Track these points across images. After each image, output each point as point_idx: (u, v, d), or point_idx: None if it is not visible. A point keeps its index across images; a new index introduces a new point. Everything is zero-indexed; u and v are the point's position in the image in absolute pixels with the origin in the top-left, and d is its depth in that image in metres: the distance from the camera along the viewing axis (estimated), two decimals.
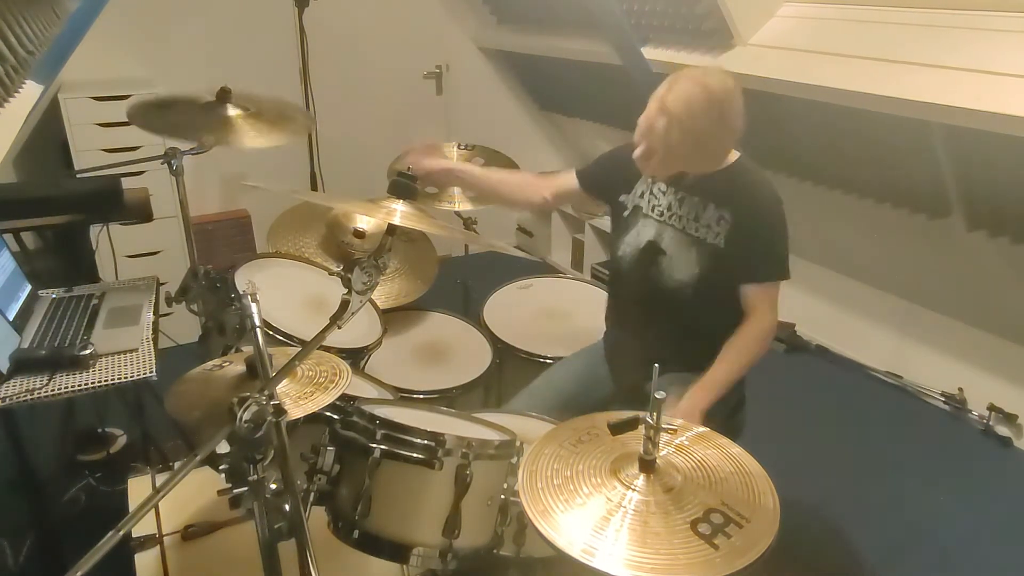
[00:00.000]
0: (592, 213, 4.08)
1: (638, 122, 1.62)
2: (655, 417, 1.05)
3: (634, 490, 1.05)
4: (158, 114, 2.05)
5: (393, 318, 2.27)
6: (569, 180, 1.94)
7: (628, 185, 1.84)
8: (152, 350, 1.80)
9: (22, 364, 1.68)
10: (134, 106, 2.03)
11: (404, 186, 1.35)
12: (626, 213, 1.85)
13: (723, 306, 1.70)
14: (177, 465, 1.30)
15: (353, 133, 3.86)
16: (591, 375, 1.92)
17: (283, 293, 2.02)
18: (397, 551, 1.26)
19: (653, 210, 1.79)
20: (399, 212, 1.28)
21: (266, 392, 1.00)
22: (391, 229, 1.26)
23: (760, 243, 1.65)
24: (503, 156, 2.66)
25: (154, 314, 1.99)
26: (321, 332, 1.17)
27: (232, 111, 2.05)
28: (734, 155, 1.71)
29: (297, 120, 2.18)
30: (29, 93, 2.39)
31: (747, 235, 1.64)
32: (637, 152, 1.63)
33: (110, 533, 0.79)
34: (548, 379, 1.94)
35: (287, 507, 1.01)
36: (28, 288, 2.02)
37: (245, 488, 1.01)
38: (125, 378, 1.69)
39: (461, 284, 2.82)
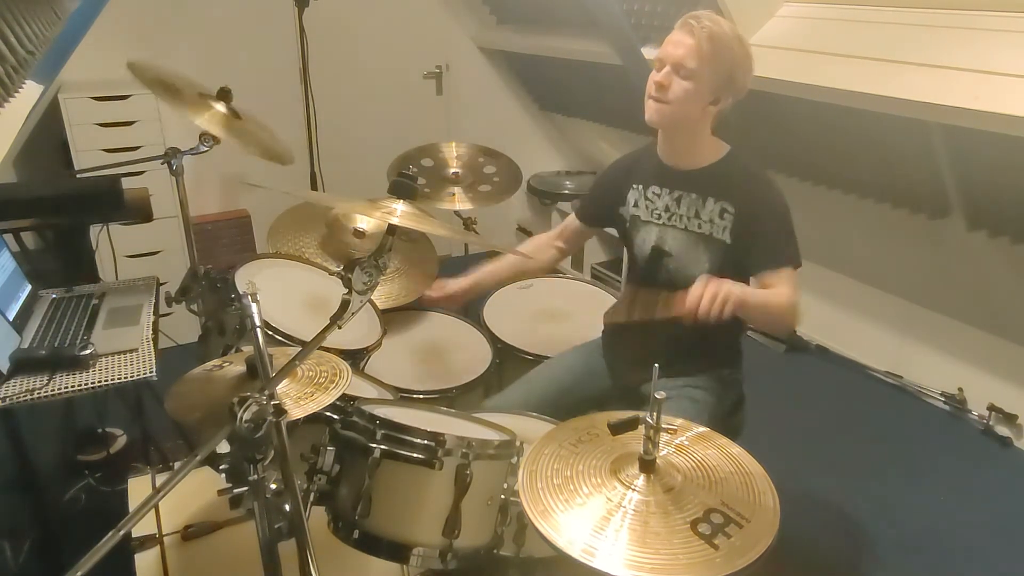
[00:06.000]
0: None
1: (656, 58, 1.60)
2: (655, 417, 1.05)
3: (634, 490, 1.05)
4: (157, 81, 2.06)
5: (393, 318, 2.27)
6: (572, 223, 2.02)
7: (621, 198, 1.84)
8: (152, 350, 1.80)
9: (22, 364, 1.68)
10: (137, 65, 2.01)
11: (404, 186, 1.35)
12: (627, 225, 1.85)
13: None
14: (177, 465, 1.30)
15: (353, 133, 3.87)
16: (587, 369, 1.91)
17: (283, 293, 2.02)
18: (397, 551, 1.25)
19: (652, 214, 1.78)
20: (399, 212, 1.28)
21: (266, 392, 1.00)
22: (391, 229, 1.26)
23: (767, 230, 1.63)
24: (503, 156, 2.66)
25: (154, 314, 1.99)
26: (321, 332, 1.17)
27: (222, 109, 2.06)
28: (724, 148, 1.70)
29: (277, 151, 2.17)
30: (29, 93, 2.39)
31: (752, 224, 1.63)
32: (657, 76, 1.59)
33: (110, 533, 0.79)
34: (544, 371, 1.94)
35: (287, 507, 1.02)
36: (28, 288, 2.02)
37: (245, 488, 1.01)
38: (125, 378, 1.69)
39: None
